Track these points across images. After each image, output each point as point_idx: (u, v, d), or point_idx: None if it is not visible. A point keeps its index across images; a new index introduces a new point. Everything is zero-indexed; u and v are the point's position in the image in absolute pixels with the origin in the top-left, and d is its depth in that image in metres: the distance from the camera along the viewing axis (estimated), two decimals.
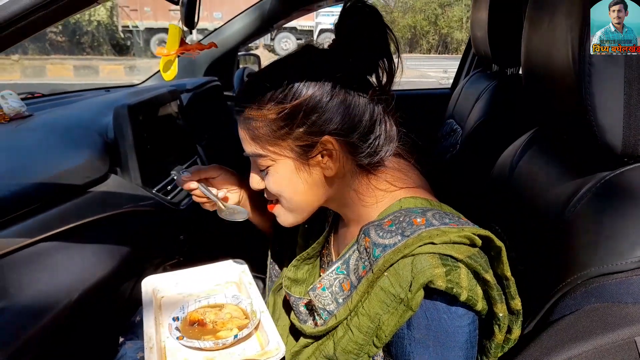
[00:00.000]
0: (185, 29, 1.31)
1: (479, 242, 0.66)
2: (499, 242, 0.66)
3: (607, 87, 0.68)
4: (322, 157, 0.71)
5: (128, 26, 13.77)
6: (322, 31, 13.39)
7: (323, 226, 0.91)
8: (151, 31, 13.34)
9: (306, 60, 0.73)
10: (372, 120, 0.72)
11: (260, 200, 0.94)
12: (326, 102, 0.69)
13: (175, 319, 0.82)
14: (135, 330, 1.07)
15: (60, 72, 9.61)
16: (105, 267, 0.98)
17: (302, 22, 13.46)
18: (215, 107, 1.82)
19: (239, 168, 1.82)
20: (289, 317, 0.87)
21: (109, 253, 1.02)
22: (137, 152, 1.16)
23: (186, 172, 0.89)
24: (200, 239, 1.40)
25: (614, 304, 0.63)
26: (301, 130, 0.69)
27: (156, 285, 0.93)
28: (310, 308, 0.81)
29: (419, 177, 0.81)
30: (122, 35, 13.96)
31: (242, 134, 0.74)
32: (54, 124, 1.20)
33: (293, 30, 13.55)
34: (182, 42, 1.33)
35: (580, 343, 0.62)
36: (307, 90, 0.69)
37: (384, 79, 0.74)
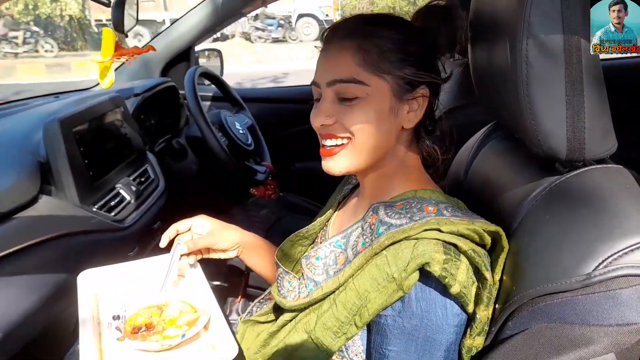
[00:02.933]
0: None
1: (488, 240, 0.65)
2: (505, 243, 0.65)
3: (548, 89, 0.63)
4: (412, 104, 0.73)
5: (102, 20, 13.40)
6: (300, 16, 13.18)
7: (327, 210, 0.92)
8: None
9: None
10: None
11: (261, 248, 0.97)
12: (432, 56, 0.75)
13: (116, 317, 0.76)
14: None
15: (32, 70, 9.34)
16: (37, 298, 0.92)
17: (279, 8, 13.23)
18: (169, 109, 1.74)
19: (200, 169, 1.74)
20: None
21: (42, 282, 0.95)
22: (73, 169, 1.08)
23: (182, 244, 0.87)
24: (154, 253, 1.34)
25: (561, 324, 0.58)
26: (411, 69, 0.71)
27: (93, 280, 0.86)
28: (295, 285, 0.81)
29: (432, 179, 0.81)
30: (95, 29, 13.59)
31: (342, 57, 0.71)
32: None
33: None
34: (117, 47, 1.25)
35: None
36: (425, 37, 0.74)
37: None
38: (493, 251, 0.67)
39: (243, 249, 0.95)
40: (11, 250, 0.89)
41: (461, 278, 0.61)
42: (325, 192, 1.07)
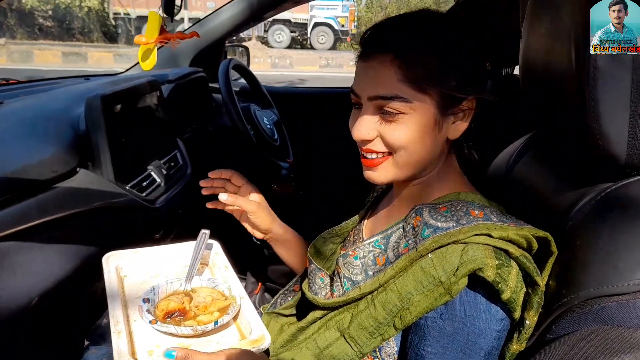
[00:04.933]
0: (165, 16, 1.24)
1: (535, 244, 0.64)
2: (554, 248, 0.64)
3: (613, 92, 0.63)
4: (458, 115, 0.70)
5: (119, 13, 13.52)
6: (316, 24, 13.28)
7: (360, 207, 0.91)
8: (143, 19, 13.09)
9: (457, 22, 0.72)
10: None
11: (290, 241, 0.98)
12: (478, 63, 0.72)
13: (146, 300, 0.75)
14: (102, 334, 1.01)
15: (48, 58, 9.42)
16: (69, 267, 0.92)
17: (296, 15, 13.33)
18: (199, 99, 1.75)
19: (226, 159, 1.75)
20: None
21: (74, 253, 0.95)
22: (111, 145, 1.09)
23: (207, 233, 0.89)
24: (177, 238, 1.34)
25: (614, 327, 0.58)
26: (457, 82, 0.68)
27: (119, 262, 0.87)
28: (326, 282, 0.80)
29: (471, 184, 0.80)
30: (113, 22, 13.71)
31: (383, 72, 0.67)
32: (22, 113, 1.12)
33: (287, 22, 13.41)
34: (163, 31, 1.26)
35: None
36: (467, 46, 0.70)
37: None
38: (541, 256, 0.66)
39: (271, 238, 0.96)
40: (50, 218, 0.90)
41: (512, 284, 0.61)
42: (342, 191, 1.06)
